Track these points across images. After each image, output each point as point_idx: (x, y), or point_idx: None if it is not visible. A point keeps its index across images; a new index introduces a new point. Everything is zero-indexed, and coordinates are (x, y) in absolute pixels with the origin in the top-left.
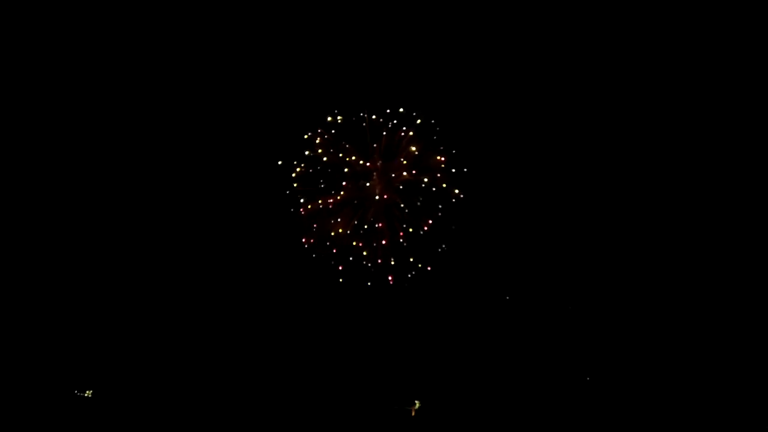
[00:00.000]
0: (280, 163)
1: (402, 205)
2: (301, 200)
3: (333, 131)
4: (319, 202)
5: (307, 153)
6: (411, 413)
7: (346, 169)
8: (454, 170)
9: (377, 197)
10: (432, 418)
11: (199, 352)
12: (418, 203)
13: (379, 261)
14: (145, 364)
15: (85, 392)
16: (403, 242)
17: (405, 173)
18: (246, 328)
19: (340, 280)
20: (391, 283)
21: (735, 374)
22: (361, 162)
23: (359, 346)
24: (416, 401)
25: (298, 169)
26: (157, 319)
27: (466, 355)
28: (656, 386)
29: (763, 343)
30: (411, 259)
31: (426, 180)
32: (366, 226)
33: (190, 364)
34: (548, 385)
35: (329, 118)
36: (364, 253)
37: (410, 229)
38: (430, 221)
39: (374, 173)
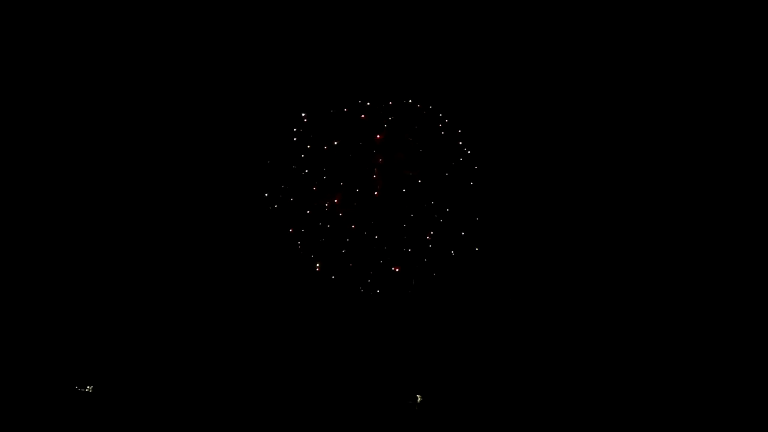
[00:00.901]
0: (269, 162)
1: (406, 206)
2: (293, 201)
3: (326, 123)
4: (315, 204)
5: (297, 149)
6: (414, 407)
7: (342, 167)
8: (464, 168)
9: (378, 198)
10: (435, 412)
11: (200, 351)
12: (425, 205)
13: (381, 263)
14: (146, 359)
15: (86, 387)
16: (406, 249)
17: (409, 171)
18: (245, 327)
19: (341, 287)
20: (394, 290)
21: (735, 374)
22: (359, 159)
23: (360, 348)
24: (418, 395)
25: (289, 168)
26: (157, 316)
27: (470, 355)
28: (657, 387)
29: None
30: (415, 265)
31: (432, 179)
32: (365, 232)
33: (190, 361)
34: (550, 383)
35: (322, 109)
36: (363, 259)
37: (414, 232)
38: (437, 224)
39: (374, 170)
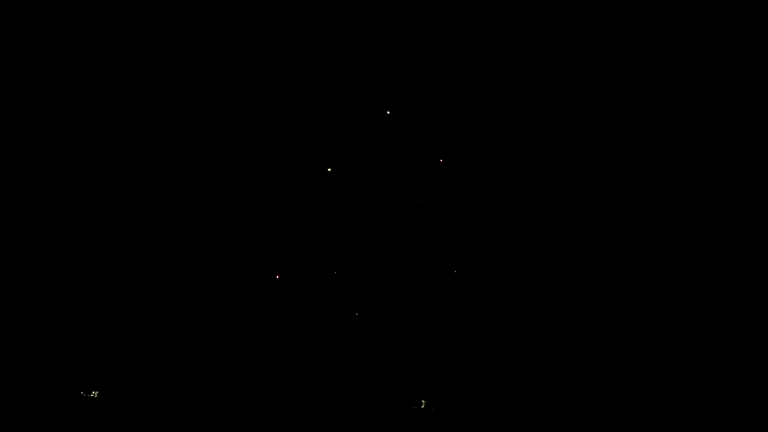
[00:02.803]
0: (269, 168)
1: (404, 209)
2: (293, 207)
3: (325, 131)
4: (315, 209)
5: (297, 157)
6: (419, 412)
7: (340, 171)
8: (456, 171)
9: (376, 200)
10: (438, 417)
11: (205, 355)
12: (425, 208)
13: (380, 268)
14: (151, 364)
15: (91, 393)
16: (403, 252)
17: (407, 174)
18: (246, 330)
19: (341, 290)
20: (393, 293)
21: (735, 375)
22: (357, 164)
23: (361, 349)
24: (422, 400)
25: (289, 176)
26: (163, 320)
27: (469, 355)
28: (658, 388)
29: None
30: (412, 269)
31: (427, 181)
32: (363, 236)
33: (197, 365)
34: (551, 384)
35: (320, 117)
36: (364, 263)
37: (412, 233)
38: (433, 223)
39: (373, 174)
